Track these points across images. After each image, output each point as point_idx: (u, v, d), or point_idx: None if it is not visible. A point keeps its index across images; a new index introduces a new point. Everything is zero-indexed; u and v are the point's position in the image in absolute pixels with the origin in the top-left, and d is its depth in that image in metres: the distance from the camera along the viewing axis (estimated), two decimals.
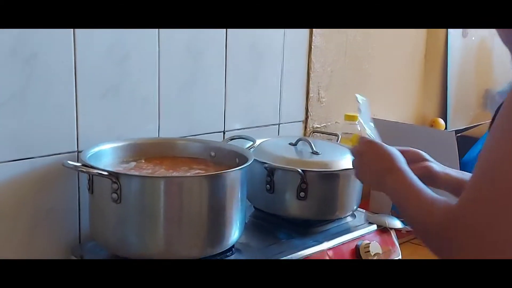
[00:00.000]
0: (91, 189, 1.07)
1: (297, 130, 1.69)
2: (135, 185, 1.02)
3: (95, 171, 1.01)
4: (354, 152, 1.06)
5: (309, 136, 1.67)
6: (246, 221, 1.18)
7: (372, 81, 1.93)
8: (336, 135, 1.59)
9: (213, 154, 1.26)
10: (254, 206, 1.37)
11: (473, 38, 2.39)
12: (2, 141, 1.07)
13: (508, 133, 0.72)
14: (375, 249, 1.26)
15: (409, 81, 2.16)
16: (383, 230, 1.35)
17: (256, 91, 1.53)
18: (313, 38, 1.66)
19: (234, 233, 1.11)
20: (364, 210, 1.44)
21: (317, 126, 1.74)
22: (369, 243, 1.27)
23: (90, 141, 1.17)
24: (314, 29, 1.65)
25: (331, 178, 1.28)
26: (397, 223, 1.37)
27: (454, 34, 2.27)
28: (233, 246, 1.14)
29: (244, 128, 1.50)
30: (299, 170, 1.23)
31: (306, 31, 1.65)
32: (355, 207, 1.35)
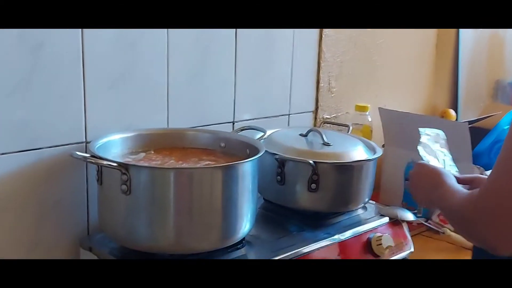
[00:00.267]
0: (100, 180, 1.06)
1: (307, 121, 1.66)
2: (145, 176, 1.00)
3: (104, 162, 0.99)
4: (409, 176, 1.15)
5: (319, 127, 1.65)
6: (256, 213, 1.17)
7: (383, 72, 1.91)
8: (346, 126, 1.57)
9: (223, 145, 1.24)
10: (264, 198, 1.35)
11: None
12: (9, 131, 1.05)
13: None
14: (388, 242, 1.25)
15: (420, 72, 2.13)
16: (394, 222, 1.33)
17: (266, 81, 1.51)
18: None
19: (245, 226, 1.09)
20: (374, 202, 1.42)
21: (327, 116, 1.72)
22: (382, 235, 1.25)
23: (99, 131, 1.15)
24: None
25: (343, 169, 1.26)
26: (409, 215, 1.35)
27: None
28: (243, 238, 1.12)
29: (253, 119, 1.49)
30: (311, 162, 1.21)
31: None
32: (367, 199, 1.33)
